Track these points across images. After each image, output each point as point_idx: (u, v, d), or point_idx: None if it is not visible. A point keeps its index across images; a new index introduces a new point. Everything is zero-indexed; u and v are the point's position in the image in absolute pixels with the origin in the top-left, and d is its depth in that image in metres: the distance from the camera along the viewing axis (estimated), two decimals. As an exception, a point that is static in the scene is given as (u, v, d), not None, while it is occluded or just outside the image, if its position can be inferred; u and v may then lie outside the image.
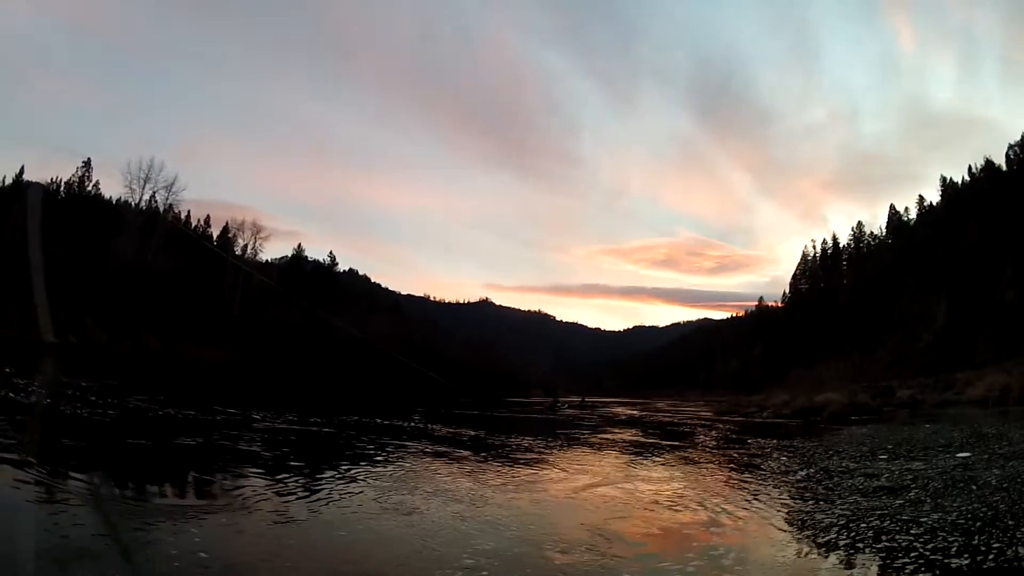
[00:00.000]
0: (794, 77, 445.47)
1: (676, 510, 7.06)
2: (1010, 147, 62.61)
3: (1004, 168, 61.28)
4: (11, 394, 11.86)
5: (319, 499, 6.59)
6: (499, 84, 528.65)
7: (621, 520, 6.54)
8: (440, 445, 12.79)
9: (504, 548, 5.14)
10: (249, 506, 6.00)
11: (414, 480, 8.21)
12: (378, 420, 17.29)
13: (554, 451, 13.43)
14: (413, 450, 11.66)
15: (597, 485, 8.70)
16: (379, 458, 10.15)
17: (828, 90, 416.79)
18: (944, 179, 76.64)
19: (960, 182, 72.12)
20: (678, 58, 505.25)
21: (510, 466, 10.44)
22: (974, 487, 6.77)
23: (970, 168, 69.92)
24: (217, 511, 5.74)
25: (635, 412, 37.48)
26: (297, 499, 6.50)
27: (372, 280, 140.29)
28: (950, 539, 5.03)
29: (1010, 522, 5.18)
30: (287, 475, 7.72)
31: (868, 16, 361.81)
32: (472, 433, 15.89)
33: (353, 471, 8.54)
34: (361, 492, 7.10)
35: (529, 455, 12.26)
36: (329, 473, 8.22)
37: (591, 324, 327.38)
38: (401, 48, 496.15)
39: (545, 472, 10.00)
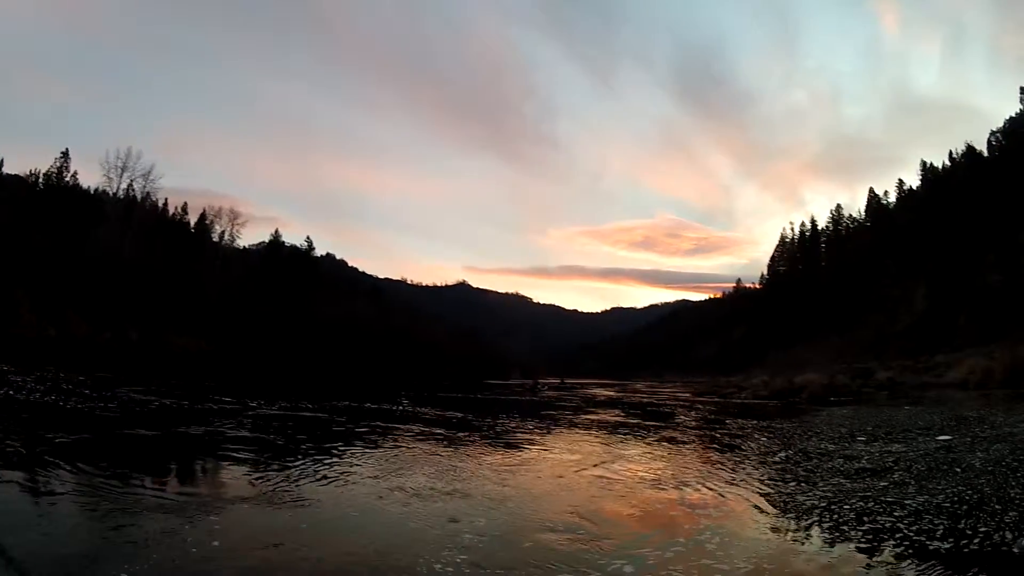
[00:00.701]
0: (776, 60, 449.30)
1: (658, 491, 7.07)
2: (992, 133, 63.32)
3: (986, 154, 61.77)
4: (11, 392, 12.22)
5: (323, 483, 6.84)
6: (480, 68, 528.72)
7: (605, 501, 6.56)
8: (431, 427, 13.17)
9: (496, 528, 5.33)
10: (257, 493, 6.23)
11: (410, 463, 8.43)
12: (368, 405, 17.86)
13: (538, 432, 13.50)
14: (406, 434, 11.86)
15: (582, 465, 8.77)
16: (374, 442, 10.49)
17: (810, 74, 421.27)
18: (925, 164, 77.33)
19: (941, 167, 72.73)
20: (660, 42, 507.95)
21: (498, 448, 10.73)
22: (958, 470, 6.77)
23: (951, 154, 70.55)
24: (226, 499, 5.92)
25: (614, 393, 37.95)
26: (301, 484, 6.74)
27: (350, 264, 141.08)
28: (936, 522, 5.01)
29: (997, 506, 5.15)
30: (289, 460, 8.06)
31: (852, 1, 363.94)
32: (459, 415, 16.34)
33: (352, 456, 8.84)
34: (362, 477, 7.34)
35: (516, 436, 12.45)
36: (330, 458, 8.41)
37: (569, 306, 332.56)
38: (382, 32, 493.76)
39: (531, 453, 10.14)
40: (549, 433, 13.61)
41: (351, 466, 7.91)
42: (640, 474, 8.12)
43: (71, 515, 5.04)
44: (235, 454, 8.37)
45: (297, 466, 7.65)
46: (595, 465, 8.78)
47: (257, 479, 6.88)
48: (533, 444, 11.34)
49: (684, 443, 11.81)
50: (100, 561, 3.99)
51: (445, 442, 11.06)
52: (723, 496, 6.69)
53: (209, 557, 4.19)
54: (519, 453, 10.13)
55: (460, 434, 12.47)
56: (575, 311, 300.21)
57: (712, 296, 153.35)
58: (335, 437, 10.79)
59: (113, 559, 4.01)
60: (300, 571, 4.13)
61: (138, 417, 11.13)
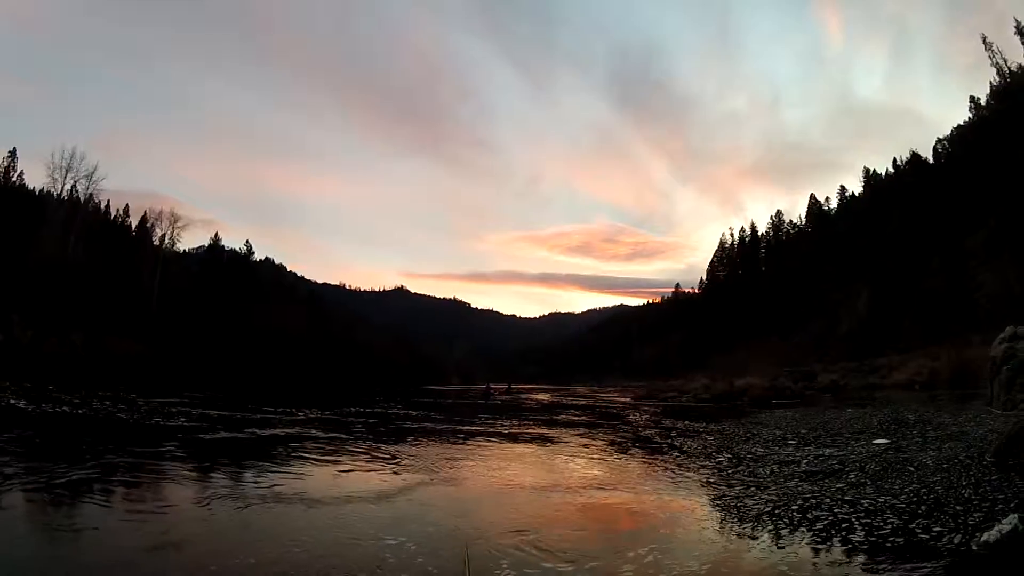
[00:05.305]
0: (715, 65, 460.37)
1: (607, 495, 7.21)
2: (938, 141, 65.71)
3: (931, 161, 63.97)
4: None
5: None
6: (416, 71, 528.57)
7: (552, 508, 6.56)
8: (435, 426, 15.84)
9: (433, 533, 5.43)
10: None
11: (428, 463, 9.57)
12: (376, 409, 20.95)
13: (498, 436, 14.38)
14: (431, 432, 14.29)
15: (560, 467, 9.67)
16: (421, 438, 12.93)
17: (750, 78, 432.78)
18: (867, 170, 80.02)
19: (884, 174, 75.28)
20: (597, 46, 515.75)
21: (467, 450, 11.75)
22: (911, 468, 6.79)
23: (895, 160, 73.10)
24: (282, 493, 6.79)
25: (559, 399, 38.81)
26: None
27: (288, 269, 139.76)
28: (888, 520, 5.10)
29: (957, 507, 5.17)
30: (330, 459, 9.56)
31: (795, 5, 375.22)
32: (440, 416, 19.24)
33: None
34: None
35: (482, 439, 13.49)
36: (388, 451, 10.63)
37: (507, 311, 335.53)
38: (318, 36, 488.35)
39: (486, 454, 11.04)
40: (511, 437, 14.23)
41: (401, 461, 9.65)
42: (589, 478, 8.32)
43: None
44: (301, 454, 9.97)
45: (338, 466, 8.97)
46: (567, 460, 10.07)
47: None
48: (493, 446, 12.24)
49: (632, 448, 12.02)
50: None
51: (450, 438, 13.15)
52: (672, 502, 6.73)
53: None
54: (482, 454, 11.06)
55: (459, 431, 14.86)
56: (513, 316, 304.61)
57: (651, 301, 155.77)
58: (393, 436, 13.12)
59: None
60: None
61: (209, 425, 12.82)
